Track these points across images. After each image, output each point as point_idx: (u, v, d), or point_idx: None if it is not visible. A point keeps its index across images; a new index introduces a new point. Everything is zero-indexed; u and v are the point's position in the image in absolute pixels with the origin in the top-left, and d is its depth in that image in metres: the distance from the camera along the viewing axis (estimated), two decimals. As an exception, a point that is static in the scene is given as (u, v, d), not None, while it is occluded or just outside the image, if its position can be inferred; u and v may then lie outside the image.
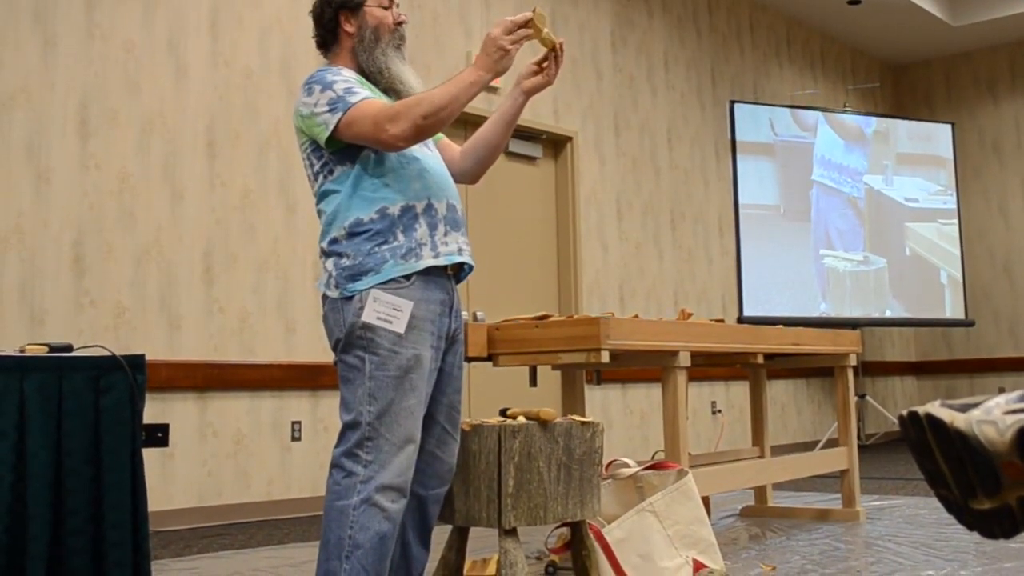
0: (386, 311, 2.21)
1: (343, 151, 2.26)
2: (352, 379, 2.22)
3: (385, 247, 2.23)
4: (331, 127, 2.20)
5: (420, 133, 2.18)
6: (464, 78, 2.21)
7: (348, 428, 2.21)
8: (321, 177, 2.30)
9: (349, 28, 2.35)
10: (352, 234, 2.24)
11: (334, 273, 2.24)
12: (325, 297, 2.28)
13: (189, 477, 4.72)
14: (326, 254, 2.28)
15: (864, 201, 8.23)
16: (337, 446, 2.23)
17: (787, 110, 7.94)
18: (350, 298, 2.21)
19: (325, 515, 2.20)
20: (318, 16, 2.39)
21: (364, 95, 2.23)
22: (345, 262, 2.23)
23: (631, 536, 2.90)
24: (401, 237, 2.25)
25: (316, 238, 5.29)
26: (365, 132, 2.18)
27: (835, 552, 3.60)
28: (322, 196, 2.30)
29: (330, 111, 2.20)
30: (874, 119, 8.45)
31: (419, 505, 2.36)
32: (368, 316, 2.20)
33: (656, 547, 2.91)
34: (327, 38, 2.39)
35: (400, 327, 2.21)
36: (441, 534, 4.22)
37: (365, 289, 2.20)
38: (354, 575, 2.17)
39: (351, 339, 2.21)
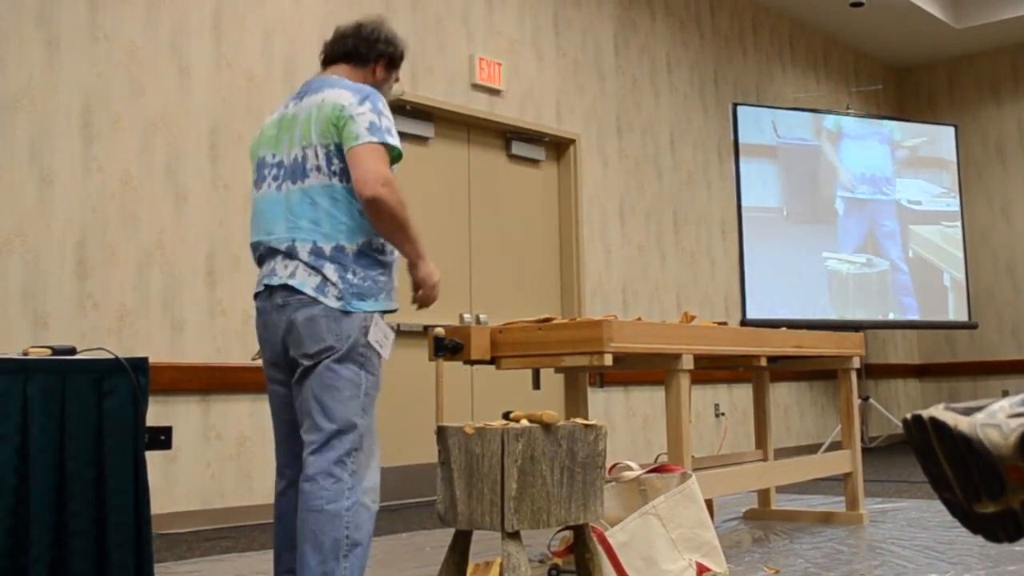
0: (381, 337, 2.44)
1: None
2: (342, 389, 2.38)
3: (383, 279, 2.47)
4: (357, 142, 2.38)
5: (377, 198, 2.36)
6: (419, 247, 2.48)
7: (336, 436, 2.37)
8: (336, 179, 2.44)
9: (380, 73, 2.67)
10: (362, 253, 2.43)
11: (339, 284, 2.39)
12: (315, 301, 2.38)
13: (192, 480, 4.72)
14: (326, 257, 2.40)
15: (868, 203, 8.22)
16: (320, 453, 2.34)
17: (790, 112, 7.94)
18: (350, 313, 2.39)
19: (314, 519, 2.30)
20: (368, 41, 2.65)
21: (397, 144, 2.46)
22: (352, 278, 2.40)
23: (634, 539, 2.89)
24: (389, 275, 2.51)
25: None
26: (370, 166, 2.36)
27: (839, 555, 3.59)
28: (328, 193, 2.43)
29: (370, 131, 2.39)
30: (877, 121, 8.44)
31: None
32: (372, 337, 2.41)
33: (659, 550, 2.91)
34: (361, 59, 2.65)
35: (387, 353, 2.45)
36: (444, 538, 4.22)
37: (370, 312, 2.41)
38: (352, 572, 2.31)
39: (351, 354, 2.39)
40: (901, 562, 3.42)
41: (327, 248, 2.40)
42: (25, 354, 2.63)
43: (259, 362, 2.67)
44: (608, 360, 2.99)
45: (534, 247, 6.60)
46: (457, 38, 6.15)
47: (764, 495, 4.64)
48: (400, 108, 5.88)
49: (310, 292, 2.38)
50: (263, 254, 2.56)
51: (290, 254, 2.44)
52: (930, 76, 10.43)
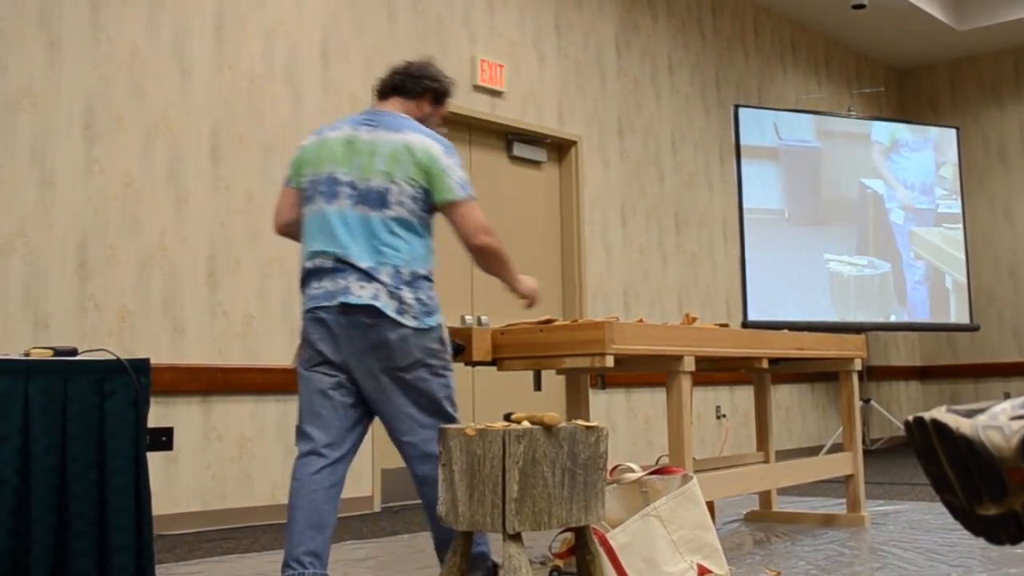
0: (448, 343, 2.87)
1: (432, 211, 2.84)
2: (437, 391, 2.79)
3: (435, 296, 2.86)
4: (454, 196, 2.77)
5: (486, 245, 2.81)
6: (515, 271, 2.96)
7: (442, 417, 2.80)
8: (414, 216, 2.78)
9: (426, 108, 2.99)
10: (427, 279, 2.79)
11: (414, 306, 2.74)
12: (399, 323, 2.71)
13: (193, 481, 4.72)
14: (404, 281, 2.74)
15: (869, 205, 8.22)
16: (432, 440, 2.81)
17: (792, 114, 7.94)
18: (427, 329, 2.75)
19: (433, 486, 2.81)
20: (414, 77, 2.98)
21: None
22: (423, 298, 2.76)
23: (635, 541, 2.89)
24: None
25: (320, 242, 5.29)
26: (475, 220, 2.79)
27: (840, 558, 3.59)
28: (407, 225, 2.77)
29: (461, 187, 2.79)
30: (879, 123, 8.44)
31: None
32: (449, 345, 2.86)
33: (660, 552, 2.91)
34: (408, 92, 2.98)
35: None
36: (445, 538, 4.22)
37: (438, 324, 2.79)
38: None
39: (437, 361, 2.79)
40: (903, 564, 3.42)
41: (405, 272, 2.73)
42: (26, 355, 2.63)
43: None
44: (609, 362, 2.99)
45: (535, 248, 6.60)
46: (458, 40, 6.15)
47: (765, 497, 4.64)
48: (402, 109, 5.88)
49: (392, 314, 2.70)
50: (327, 266, 2.78)
51: (370, 274, 2.72)
52: (932, 78, 10.43)
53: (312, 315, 2.79)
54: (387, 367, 2.74)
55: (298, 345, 2.89)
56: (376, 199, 2.76)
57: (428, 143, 2.82)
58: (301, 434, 2.82)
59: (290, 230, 2.98)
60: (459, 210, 2.80)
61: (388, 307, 2.70)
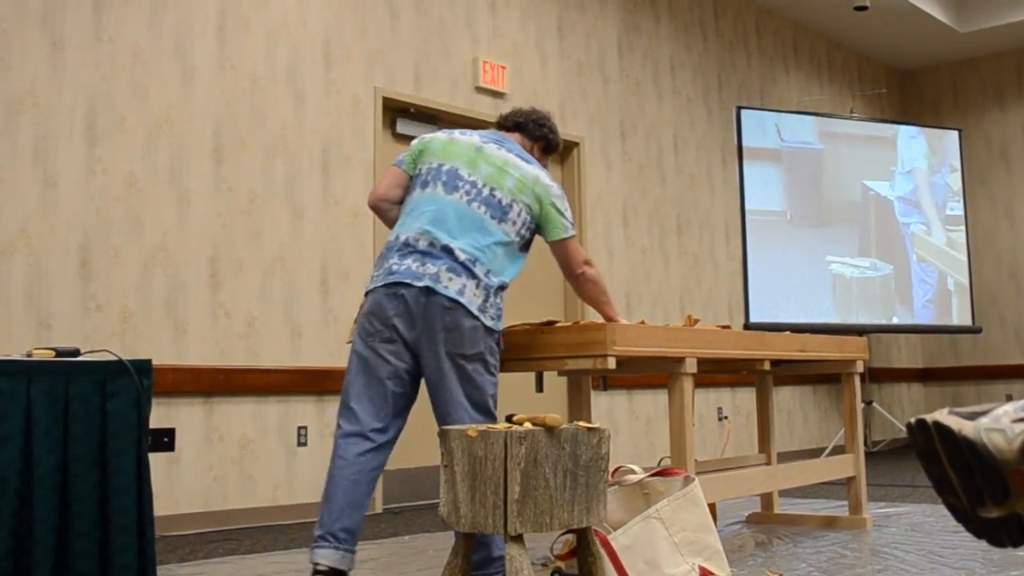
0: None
1: (532, 238, 3.11)
2: (487, 387, 2.94)
3: None
4: (567, 234, 3.11)
5: (585, 274, 3.15)
6: (611, 307, 3.21)
7: (487, 415, 2.93)
8: (517, 238, 3.04)
9: (537, 153, 3.28)
10: (505, 289, 2.99)
11: (491, 309, 2.93)
12: (476, 317, 2.89)
13: (195, 482, 4.72)
14: (493, 286, 2.93)
15: (872, 207, 8.22)
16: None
17: (794, 116, 7.93)
18: (494, 331, 2.94)
19: None
20: (536, 123, 3.27)
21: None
22: (499, 303, 2.96)
23: (637, 543, 2.89)
24: None
25: (321, 242, 5.30)
26: (578, 253, 3.14)
27: (842, 559, 3.59)
28: (512, 243, 3.02)
29: (572, 225, 3.15)
30: (881, 125, 8.44)
31: None
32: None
33: (662, 554, 2.90)
34: (529, 134, 3.26)
35: None
36: (447, 540, 4.22)
37: (500, 330, 2.99)
38: None
39: (494, 357, 2.96)
40: (904, 567, 3.42)
41: (494, 279, 2.94)
42: (29, 356, 2.63)
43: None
44: (611, 363, 2.99)
45: (537, 250, 6.59)
46: (461, 41, 6.15)
47: (767, 499, 4.64)
48: (404, 111, 5.88)
49: (474, 310, 2.87)
50: (420, 247, 2.93)
51: (466, 266, 2.90)
52: (934, 80, 10.42)
53: (391, 290, 2.91)
54: (453, 352, 2.88)
55: (356, 319, 2.99)
56: (498, 209, 3.00)
57: (551, 185, 3.12)
58: (348, 412, 2.93)
59: (383, 206, 3.13)
60: (566, 245, 3.13)
61: (472, 303, 2.88)
